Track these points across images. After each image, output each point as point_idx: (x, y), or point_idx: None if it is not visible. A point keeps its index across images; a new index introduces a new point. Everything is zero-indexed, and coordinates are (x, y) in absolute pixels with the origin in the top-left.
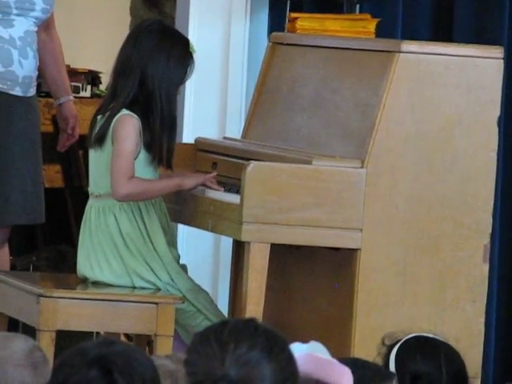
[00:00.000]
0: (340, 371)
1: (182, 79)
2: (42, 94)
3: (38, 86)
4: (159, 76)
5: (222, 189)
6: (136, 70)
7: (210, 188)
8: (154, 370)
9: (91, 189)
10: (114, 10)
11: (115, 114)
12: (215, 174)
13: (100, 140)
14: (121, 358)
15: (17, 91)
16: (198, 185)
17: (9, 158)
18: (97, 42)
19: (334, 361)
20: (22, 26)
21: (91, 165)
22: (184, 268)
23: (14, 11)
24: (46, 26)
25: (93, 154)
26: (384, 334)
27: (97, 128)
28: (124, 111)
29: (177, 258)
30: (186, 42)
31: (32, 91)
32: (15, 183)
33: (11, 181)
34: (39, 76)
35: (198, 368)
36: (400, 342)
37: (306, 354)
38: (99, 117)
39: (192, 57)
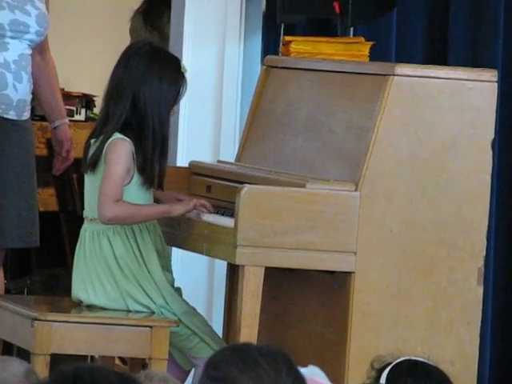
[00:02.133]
0: None
1: (174, 100)
2: (36, 118)
3: (32, 109)
4: (151, 98)
5: (212, 211)
6: (128, 93)
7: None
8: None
9: (86, 212)
10: (109, 33)
11: (108, 138)
12: (203, 202)
13: (93, 164)
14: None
15: (11, 115)
16: (187, 212)
17: (3, 182)
18: (91, 66)
19: None
20: (17, 50)
21: (86, 189)
22: (178, 291)
23: (9, 33)
24: (40, 50)
25: (87, 178)
26: (373, 357)
27: (90, 152)
28: (117, 135)
29: (171, 282)
30: (177, 63)
31: (26, 115)
32: (10, 207)
33: (6, 204)
34: (33, 99)
35: None
36: (390, 366)
37: (307, 378)
38: (92, 141)
39: (184, 76)
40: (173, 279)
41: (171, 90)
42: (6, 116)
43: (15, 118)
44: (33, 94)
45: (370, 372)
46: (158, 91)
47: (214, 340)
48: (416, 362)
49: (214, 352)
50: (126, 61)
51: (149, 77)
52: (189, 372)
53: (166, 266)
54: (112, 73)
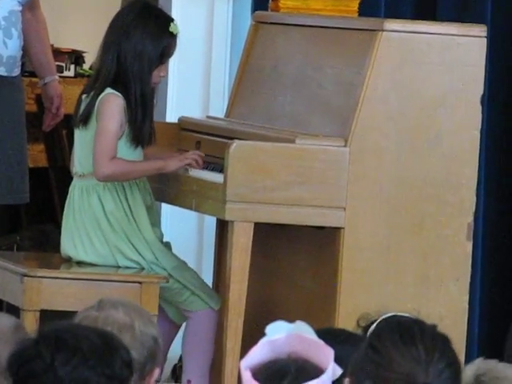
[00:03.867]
0: (326, 352)
1: (156, 58)
2: (26, 74)
3: (22, 65)
4: (132, 53)
5: (202, 166)
6: (113, 49)
7: (193, 168)
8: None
9: (75, 168)
10: None
11: (99, 93)
12: (197, 152)
13: (85, 119)
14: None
15: (1, 71)
16: (181, 167)
17: None
18: (80, 22)
19: (321, 342)
20: (6, 6)
21: (76, 144)
22: (168, 246)
23: None
24: (30, 6)
25: (78, 134)
26: (359, 315)
27: (82, 107)
28: (108, 90)
29: (160, 238)
30: (166, 21)
31: (17, 71)
32: (0, 163)
33: None
34: (23, 56)
35: (399, 368)
36: (376, 323)
37: (295, 334)
38: (84, 96)
39: (171, 36)
40: (162, 235)
41: (154, 46)
42: None
43: (5, 74)
44: (23, 50)
45: (356, 330)
46: (139, 46)
47: (205, 292)
48: (401, 317)
49: (382, 321)
50: (115, 17)
51: (131, 32)
52: (180, 326)
53: (155, 222)
54: (106, 30)
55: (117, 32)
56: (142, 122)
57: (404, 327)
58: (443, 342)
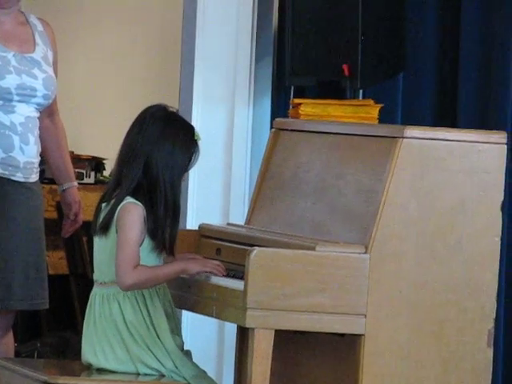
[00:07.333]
0: None
1: (186, 166)
2: (46, 181)
3: (42, 172)
4: (163, 163)
5: (224, 274)
6: (140, 157)
7: (215, 275)
8: None
9: (96, 276)
10: (118, 96)
11: (120, 202)
12: (221, 264)
13: (105, 228)
14: None
15: (18, 177)
16: (203, 271)
17: (11, 244)
18: (100, 129)
19: None
20: (23, 112)
21: (96, 252)
22: (188, 354)
23: (16, 97)
24: (49, 112)
25: (97, 242)
26: None
27: (101, 216)
28: (128, 199)
29: (180, 346)
30: (190, 130)
31: (34, 177)
32: (18, 269)
33: (14, 267)
34: (42, 162)
35: None
36: None
37: None
38: (104, 204)
39: (197, 144)
40: (182, 342)
41: (184, 156)
42: (13, 178)
43: (23, 180)
44: (42, 156)
45: None
46: (171, 157)
47: None
48: None
49: None
50: (140, 124)
51: (162, 142)
52: None
53: (176, 330)
54: (126, 136)
55: (144, 141)
56: (172, 229)
57: None
58: None
